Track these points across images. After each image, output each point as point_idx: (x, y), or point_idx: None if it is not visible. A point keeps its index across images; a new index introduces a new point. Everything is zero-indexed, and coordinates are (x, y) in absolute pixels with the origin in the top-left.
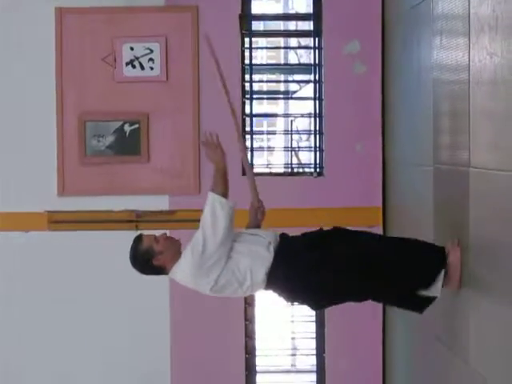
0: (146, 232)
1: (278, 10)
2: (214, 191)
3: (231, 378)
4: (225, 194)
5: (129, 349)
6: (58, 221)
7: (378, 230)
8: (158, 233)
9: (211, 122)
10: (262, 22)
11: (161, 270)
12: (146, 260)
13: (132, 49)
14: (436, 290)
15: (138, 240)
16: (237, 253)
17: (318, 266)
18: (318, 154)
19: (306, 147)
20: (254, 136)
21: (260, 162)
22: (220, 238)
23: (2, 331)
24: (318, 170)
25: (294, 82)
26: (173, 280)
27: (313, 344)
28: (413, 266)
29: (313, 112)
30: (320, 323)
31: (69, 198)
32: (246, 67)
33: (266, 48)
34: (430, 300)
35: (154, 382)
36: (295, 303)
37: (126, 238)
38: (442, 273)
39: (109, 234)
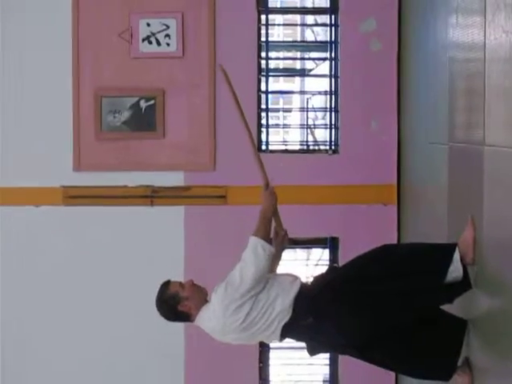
0: (160, 208)
1: None
2: (256, 235)
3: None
4: (266, 240)
5: (142, 321)
6: (73, 196)
7: (393, 209)
8: (173, 208)
9: (227, 99)
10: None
11: (186, 317)
12: (171, 305)
13: (148, 25)
14: (457, 270)
15: (165, 285)
16: (266, 287)
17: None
18: (333, 131)
19: (321, 125)
20: (270, 113)
21: (276, 139)
22: (258, 277)
23: (14, 306)
24: (333, 147)
25: (310, 59)
26: (187, 251)
27: None
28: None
29: (328, 89)
30: None
31: (84, 174)
32: (262, 44)
33: (283, 25)
34: (459, 287)
35: (167, 354)
36: (314, 343)
37: (141, 213)
38: (457, 254)
39: (124, 209)
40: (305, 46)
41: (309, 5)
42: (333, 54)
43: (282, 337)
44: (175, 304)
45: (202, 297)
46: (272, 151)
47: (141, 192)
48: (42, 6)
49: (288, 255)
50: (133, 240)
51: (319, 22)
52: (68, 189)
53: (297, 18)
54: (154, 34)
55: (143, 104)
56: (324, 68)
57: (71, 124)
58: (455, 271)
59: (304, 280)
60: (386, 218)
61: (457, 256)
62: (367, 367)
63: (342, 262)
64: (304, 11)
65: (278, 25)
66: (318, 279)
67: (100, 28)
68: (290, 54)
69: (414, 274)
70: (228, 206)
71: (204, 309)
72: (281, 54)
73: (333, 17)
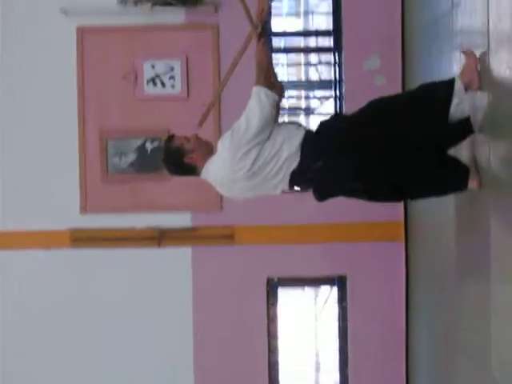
0: (167, 249)
1: (299, 26)
2: (257, 84)
3: None
4: (268, 88)
5: (151, 362)
6: (80, 238)
7: (401, 246)
8: (180, 249)
9: None
10: (282, 39)
11: (192, 170)
12: (177, 158)
13: (153, 66)
14: (462, 101)
15: (170, 139)
16: (272, 135)
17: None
18: None
19: None
20: None
21: None
22: (263, 123)
23: (25, 348)
24: None
25: (314, 98)
26: (195, 292)
27: (336, 359)
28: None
29: None
30: (342, 336)
31: (91, 216)
32: None
33: (287, 65)
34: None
35: None
36: (320, 187)
37: (149, 254)
38: (457, 84)
39: (131, 251)
40: (309, 84)
41: (312, 44)
42: (337, 92)
43: (291, 185)
44: (181, 157)
45: (207, 149)
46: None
47: (148, 234)
48: (47, 49)
49: (296, 293)
50: (141, 282)
51: (323, 60)
52: (75, 231)
53: (301, 57)
54: (158, 76)
55: (149, 145)
56: (329, 106)
57: (77, 167)
58: (461, 103)
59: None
60: (393, 255)
61: (458, 86)
62: (378, 370)
63: (350, 301)
64: (308, 50)
65: (283, 65)
66: (324, 124)
67: (105, 70)
68: (294, 93)
69: (419, 115)
70: (235, 246)
71: (210, 161)
72: (285, 93)
73: (336, 55)
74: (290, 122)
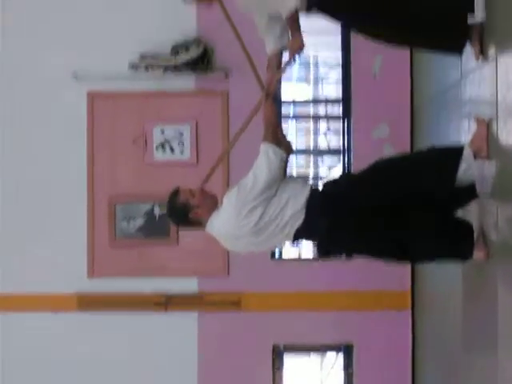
0: (174, 314)
1: (308, 93)
2: (265, 141)
3: None
4: (276, 145)
5: None
6: (87, 302)
7: (407, 314)
8: (187, 315)
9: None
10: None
11: (197, 223)
12: (182, 214)
13: (163, 132)
14: (471, 167)
15: (175, 194)
16: (278, 191)
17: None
18: None
19: None
20: None
21: (291, 249)
22: (270, 180)
23: None
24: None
25: (323, 165)
26: (201, 358)
27: None
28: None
29: None
30: None
31: (99, 280)
32: None
33: (296, 131)
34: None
35: None
36: (326, 243)
37: (155, 319)
38: (466, 150)
39: (137, 315)
40: (318, 151)
41: (322, 112)
42: (346, 160)
43: (295, 239)
44: (186, 212)
45: (212, 203)
46: (288, 259)
47: (155, 299)
48: (58, 114)
49: (302, 360)
50: (147, 346)
51: (332, 128)
52: (82, 295)
53: (310, 124)
54: (168, 141)
55: (157, 210)
56: (337, 173)
57: (85, 230)
58: (469, 168)
59: (314, 185)
60: (399, 323)
61: (467, 152)
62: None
63: (356, 368)
64: (317, 118)
65: (292, 131)
66: (330, 183)
67: (115, 134)
68: (303, 160)
69: (426, 177)
70: (242, 313)
71: (215, 215)
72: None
73: (345, 123)
74: (298, 177)
